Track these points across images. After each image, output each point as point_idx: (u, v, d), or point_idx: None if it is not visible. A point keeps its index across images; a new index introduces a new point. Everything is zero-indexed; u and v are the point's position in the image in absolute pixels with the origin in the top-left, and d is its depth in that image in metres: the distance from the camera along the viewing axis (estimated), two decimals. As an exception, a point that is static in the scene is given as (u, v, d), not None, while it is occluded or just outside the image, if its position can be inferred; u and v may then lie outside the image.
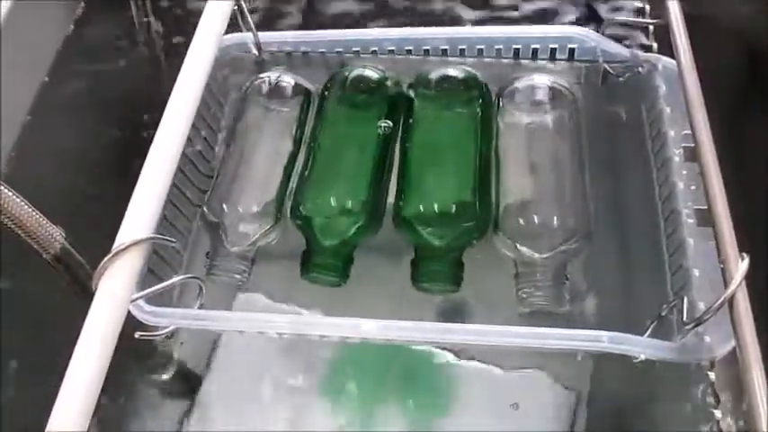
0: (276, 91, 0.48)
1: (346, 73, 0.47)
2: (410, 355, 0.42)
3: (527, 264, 0.40)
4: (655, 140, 0.45)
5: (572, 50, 0.48)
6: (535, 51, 0.48)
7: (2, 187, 0.29)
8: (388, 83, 0.47)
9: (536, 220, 0.40)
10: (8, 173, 0.51)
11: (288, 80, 0.48)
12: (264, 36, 0.49)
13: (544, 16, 0.58)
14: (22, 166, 0.52)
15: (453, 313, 0.43)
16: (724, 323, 0.32)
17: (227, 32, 0.48)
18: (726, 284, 0.31)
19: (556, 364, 0.41)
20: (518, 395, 0.41)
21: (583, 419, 0.40)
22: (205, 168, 0.47)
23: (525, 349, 0.38)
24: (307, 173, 0.44)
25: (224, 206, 0.43)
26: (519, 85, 0.46)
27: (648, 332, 0.37)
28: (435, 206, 0.41)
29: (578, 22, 0.57)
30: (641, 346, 0.36)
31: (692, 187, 0.41)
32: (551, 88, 0.46)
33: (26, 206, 0.30)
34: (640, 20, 0.56)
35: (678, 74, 0.40)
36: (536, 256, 0.40)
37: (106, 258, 0.30)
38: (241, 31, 0.48)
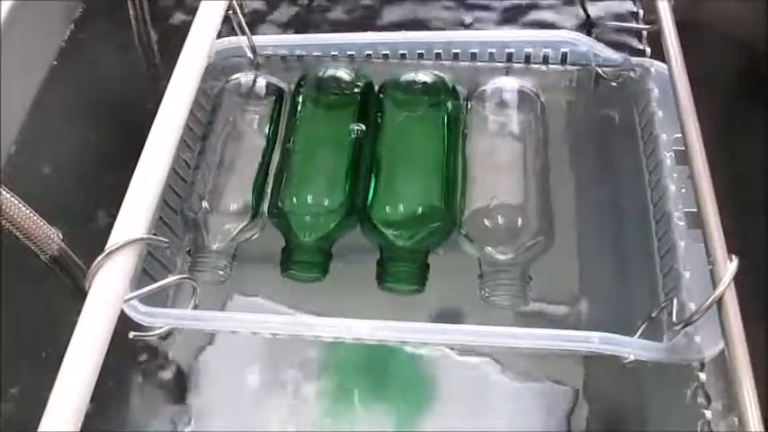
0: (250, 90, 0.48)
1: (319, 73, 0.47)
2: (402, 352, 0.43)
3: (491, 263, 0.40)
4: (647, 144, 0.46)
5: (565, 55, 0.48)
6: (528, 56, 0.48)
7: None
8: (360, 83, 0.47)
9: (500, 221, 0.41)
10: (7, 173, 0.52)
11: (261, 80, 0.49)
12: (259, 39, 0.50)
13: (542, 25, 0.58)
14: (21, 166, 0.52)
15: (447, 315, 0.43)
16: (714, 324, 0.32)
17: (225, 36, 0.49)
18: (714, 286, 0.32)
19: (550, 363, 0.41)
20: (513, 395, 0.41)
21: (578, 419, 0.40)
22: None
23: (517, 350, 0.38)
24: (284, 171, 0.44)
25: (203, 203, 0.43)
26: (487, 87, 0.46)
27: (639, 333, 0.38)
28: (401, 208, 0.41)
29: (571, 27, 0.57)
30: (631, 347, 0.36)
31: (683, 190, 0.41)
32: (519, 91, 0.46)
33: (23, 207, 0.30)
34: (633, 24, 0.56)
35: (669, 77, 0.40)
36: (501, 257, 0.40)
37: (99, 258, 0.30)
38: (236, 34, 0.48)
